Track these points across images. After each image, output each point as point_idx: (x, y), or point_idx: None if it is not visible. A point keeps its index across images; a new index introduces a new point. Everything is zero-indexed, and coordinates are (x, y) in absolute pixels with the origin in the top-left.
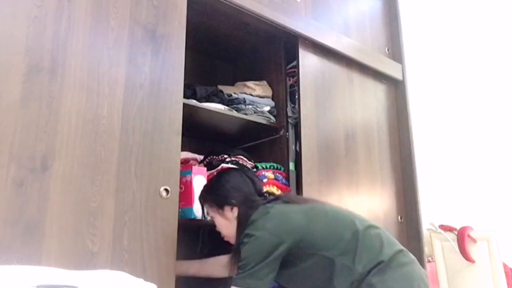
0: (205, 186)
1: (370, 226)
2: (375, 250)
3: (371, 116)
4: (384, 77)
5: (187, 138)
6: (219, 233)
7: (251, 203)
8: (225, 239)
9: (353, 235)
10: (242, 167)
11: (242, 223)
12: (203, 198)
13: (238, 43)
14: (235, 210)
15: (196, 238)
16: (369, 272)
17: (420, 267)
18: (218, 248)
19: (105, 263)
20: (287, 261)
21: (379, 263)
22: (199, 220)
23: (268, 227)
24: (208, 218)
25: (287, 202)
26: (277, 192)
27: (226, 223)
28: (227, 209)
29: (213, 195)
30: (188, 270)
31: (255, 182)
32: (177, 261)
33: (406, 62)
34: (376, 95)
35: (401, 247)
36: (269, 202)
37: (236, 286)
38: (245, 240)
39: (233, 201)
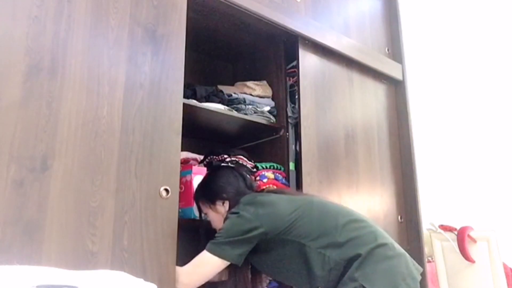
0: (198, 185)
1: (355, 220)
2: (354, 242)
3: (371, 116)
4: (384, 77)
5: (187, 138)
6: (208, 231)
7: (242, 196)
8: None
9: (333, 225)
10: (240, 167)
11: None
12: (196, 196)
13: (238, 43)
14: (226, 204)
15: (196, 238)
16: (347, 262)
17: (409, 260)
18: None
19: (105, 263)
20: (266, 247)
21: (356, 256)
22: (199, 220)
23: (250, 210)
24: (204, 216)
25: (277, 193)
26: None
27: (219, 218)
28: (218, 203)
29: (205, 191)
30: None
31: (245, 178)
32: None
33: (406, 62)
34: (376, 95)
35: (388, 240)
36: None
37: (208, 250)
38: (229, 215)
39: (224, 195)
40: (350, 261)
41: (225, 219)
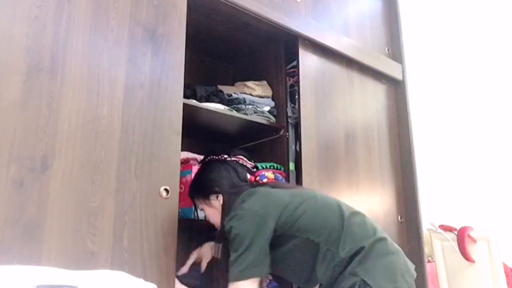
0: (191, 182)
1: (355, 213)
2: (358, 237)
3: (371, 116)
4: (384, 77)
5: (187, 138)
6: (207, 231)
7: (236, 189)
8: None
9: (339, 220)
10: (235, 163)
11: (227, 208)
12: (191, 193)
13: (238, 43)
14: (220, 198)
15: (196, 238)
16: (350, 258)
17: (406, 258)
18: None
19: (105, 263)
20: (271, 244)
21: (360, 249)
22: (199, 220)
23: (253, 205)
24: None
25: (274, 187)
26: None
27: (214, 212)
28: (212, 197)
29: (198, 186)
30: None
31: (237, 171)
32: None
33: (406, 62)
34: (376, 95)
35: (385, 235)
36: (254, 187)
37: (238, 279)
38: (232, 222)
39: (217, 189)
40: (352, 256)
41: (227, 229)
